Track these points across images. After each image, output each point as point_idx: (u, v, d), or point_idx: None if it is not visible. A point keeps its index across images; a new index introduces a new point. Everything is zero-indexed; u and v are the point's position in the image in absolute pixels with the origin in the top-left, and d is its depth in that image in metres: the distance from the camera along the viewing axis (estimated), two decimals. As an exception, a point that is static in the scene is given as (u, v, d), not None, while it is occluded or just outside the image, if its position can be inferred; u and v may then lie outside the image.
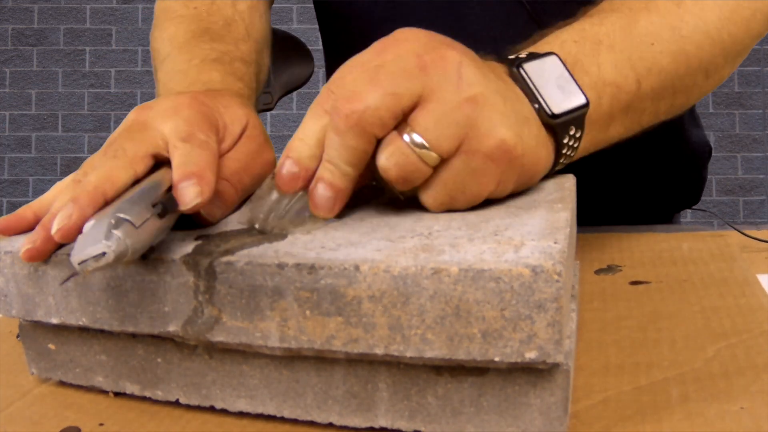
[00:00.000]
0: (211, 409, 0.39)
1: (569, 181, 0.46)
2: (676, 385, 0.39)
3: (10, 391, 0.43)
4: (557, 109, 0.44)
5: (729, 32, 0.54)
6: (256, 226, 0.41)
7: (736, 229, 0.65)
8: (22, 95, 2.89)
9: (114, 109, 2.89)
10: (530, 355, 0.32)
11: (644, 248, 0.64)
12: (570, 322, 0.39)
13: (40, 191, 2.89)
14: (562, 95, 0.44)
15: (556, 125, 0.44)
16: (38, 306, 0.40)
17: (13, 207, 2.89)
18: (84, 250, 0.33)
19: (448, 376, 0.35)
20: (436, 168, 0.40)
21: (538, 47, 0.49)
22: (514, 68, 0.44)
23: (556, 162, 0.46)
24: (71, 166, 2.88)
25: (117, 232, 0.33)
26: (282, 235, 0.39)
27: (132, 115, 0.45)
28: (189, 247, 0.37)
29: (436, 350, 0.33)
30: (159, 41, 0.67)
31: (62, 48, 2.88)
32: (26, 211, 0.43)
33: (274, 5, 0.84)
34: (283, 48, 1.05)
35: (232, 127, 0.47)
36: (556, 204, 0.41)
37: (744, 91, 2.82)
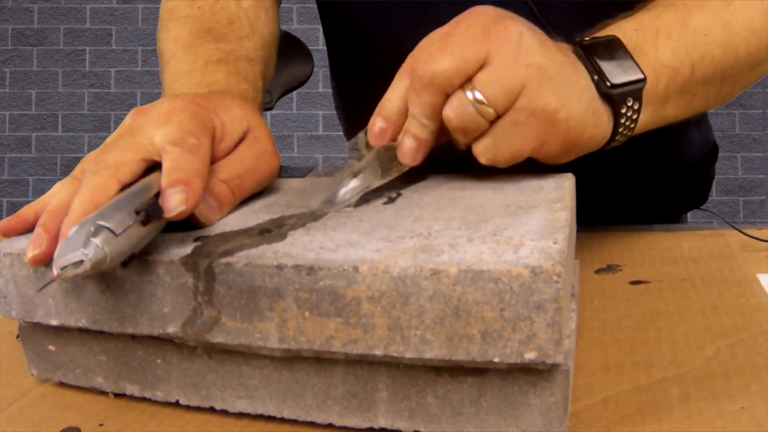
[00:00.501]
0: (211, 410, 0.39)
1: (568, 181, 0.46)
2: (676, 384, 0.39)
3: (10, 391, 0.43)
4: (615, 80, 0.49)
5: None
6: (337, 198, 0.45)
7: (736, 228, 0.65)
8: (22, 95, 2.89)
9: (114, 109, 2.89)
10: (530, 355, 0.32)
11: (644, 248, 0.64)
12: (570, 322, 0.39)
13: (40, 191, 2.89)
14: (621, 70, 0.49)
15: (614, 95, 0.49)
16: (38, 307, 0.40)
17: (13, 207, 2.89)
18: (63, 256, 0.33)
19: (447, 376, 0.35)
20: (492, 123, 0.46)
21: (601, 34, 0.53)
22: (578, 47, 0.50)
23: (615, 132, 0.51)
24: (71, 166, 2.88)
25: (95, 240, 0.33)
26: (281, 236, 0.39)
27: (127, 120, 0.46)
28: (188, 248, 0.37)
29: (435, 351, 0.33)
30: (164, 42, 0.68)
31: (62, 48, 2.88)
32: (28, 212, 0.43)
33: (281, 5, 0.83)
34: (283, 47, 1.05)
35: (230, 127, 0.47)
36: (556, 204, 0.41)
37: (744, 91, 2.82)
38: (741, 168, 2.82)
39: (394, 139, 0.48)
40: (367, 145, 0.49)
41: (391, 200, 0.44)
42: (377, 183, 0.47)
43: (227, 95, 0.51)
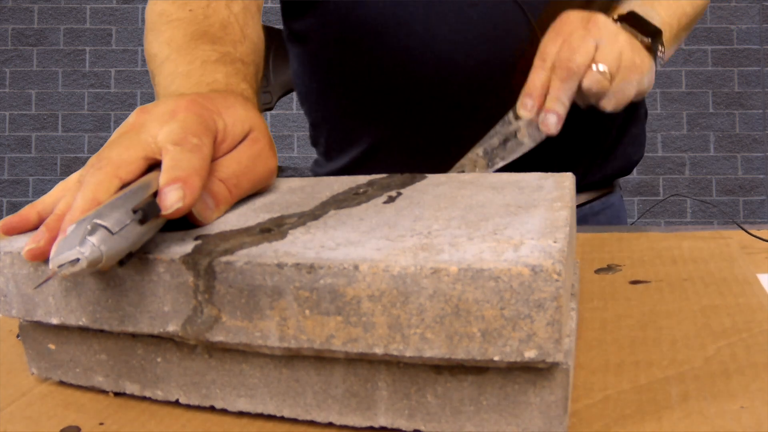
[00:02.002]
0: (211, 409, 0.39)
1: (568, 181, 0.47)
2: (676, 383, 0.39)
3: (10, 390, 0.43)
4: (647, 37, 0.76)
5: None
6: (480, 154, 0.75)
7: (738, 224, 0.65)
8: (22, 95, 2.89)
9: (114, 109, 2.89)
10: (530, 354, 0.32)
11: (644, 247, 0.64)
12: (570, 321, 0.39)
13: (40, 191, 2.89)
14: (646, 32, 0.76)
15: (653, 46, 0.76)
16: (38, 306, 0.40)
17: (13, 207, 2.89)
18: (60, 254, 0.33)
19: (447, 375, 0.35)
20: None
21: (620, 11, 0.78)
22: (623, 24, 0.76)
23: (655, 66, 0.77)
24: (71, 166, 2.88)
25: (91, 239, 0.33)
26: (281, 234, 0.39)
27: (131, 118, 0.46)
28: (188, 247, 0.37)
29: (435, 349, 0.33)
30: (156, 44, 0.68)
31: (62, 48, 2.89)
32: (30, 211, 0.43)
33: (270, 7, 0.85)
34: (283, 48, 1.05)
35: (233, 128, 0.47)
36: (556, 203, 0.41)
37: (744, 91, 2.82)
38: (741, 168, 2.82)
39: (536, 114, 0.74)
40: (516, 117, 0.76)
41: (392, 199, 0.45)
42: (530, 145, 0.77)
43: (230, 95, 0.51)
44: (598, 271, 0.58)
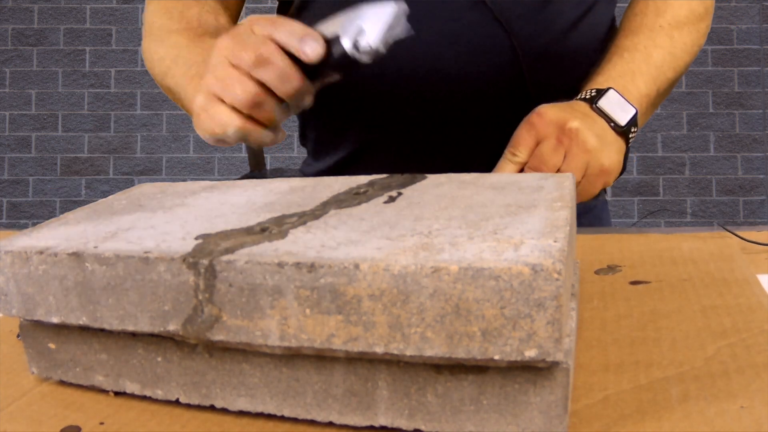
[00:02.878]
0: (211, 408, 0.39)
1: (568, 181, 0.47)
2: (676, 383, 0.39)
3: (11, 390, 0.43)
4: (623, 122, 0.77)
5: (699, 45, 0.89)
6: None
7: (732, 233, 0.65)
8: (22, 95, 2.89)
9: (114, 109, 2.89)
10: (530, 353, 0.32)
11: (644, 248, 0.64)
12: (570, 321, 0.39)
13: (40, 191, 2.89)
14: (623, 113, 0.77)
15: (625, 130, 0.77)
16: (38, 305, 0.40)
17: (13, 207, 2.89)
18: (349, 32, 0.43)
19: (448, 374, 0.35)
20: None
21: (599, 84, 0.79)
22: (594, 105, 0.77)
23: (627, 149, 0.78)
24: (71, 166, 2.88)
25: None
26: (282, 234, 0.39)
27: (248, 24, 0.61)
28: (189, 246, 0.37)
29: (435, 348, 0.33)
30: (162, 49, 0.80)
31: (62, 48, 2.89)
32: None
33: (270, 7, 0.89)
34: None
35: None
36: (556, 203, 0.41)
37: (744, 91, 2.82)
38: (741, 168, 2.82)
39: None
40: None
41: (392, 199, 0.45)
42: None
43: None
44: (598, 272, 0.58)
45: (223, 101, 0.61)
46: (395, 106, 0.85)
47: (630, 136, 0.77)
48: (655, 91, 0.81)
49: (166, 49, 0.80)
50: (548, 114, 0.74)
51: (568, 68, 0.83)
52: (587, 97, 0.77)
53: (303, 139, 1.03)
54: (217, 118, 0.62)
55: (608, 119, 0.76)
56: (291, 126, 2.84)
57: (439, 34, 0.82)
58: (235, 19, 0.92)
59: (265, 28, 0.60)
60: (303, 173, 1.03)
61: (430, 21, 0.82)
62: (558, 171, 0.72)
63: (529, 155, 0.74)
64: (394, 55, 0.83)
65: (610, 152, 0.74)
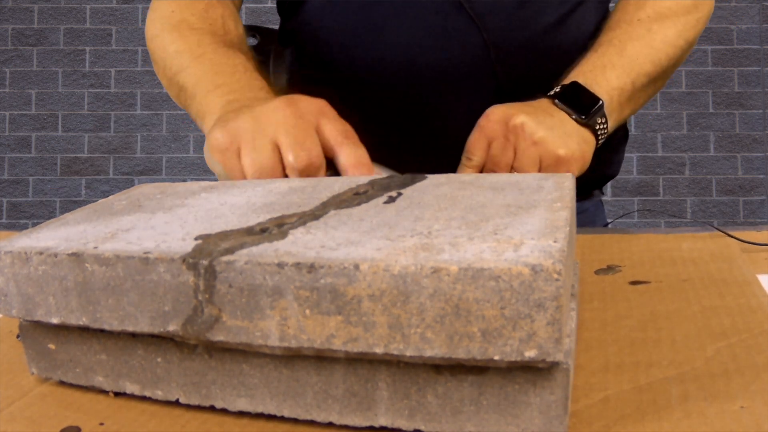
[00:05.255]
0: (211, 409, 0.39)
1: (568, 181, 0.47)
2: (675, 384, 0.39)
3: (10, 391, 0.43)
4: (585, 114, 0.76)
5: (685, 38, 0.86)
6: None
7: (728, 234, 0.65)
8: (22, 95, 2.89)
9: (114, 109, 2.89)
10: (530, 353, 0.32)
11: (644, 248, 0.64)
12: (570, 321, 0.39)
13: (40, 191, 2.89)
14: (586, 106, 0.76)
15: (589, 122, 0.76)
16: (38, 306, 0.40)
17: (13, 207, 2.89)
18: None
19: (448, 374, 0.35)
20: None
21: (568, 80, 0.78)
22: (556, 101, 0.76)
23: (597, 140, 0.77)
24: (71, 166, 2.88)
25: None
26: (282, 234, 0.39)
27: (281, 105, 0.62)
28: (189, 247, 0.37)
29: (435, 349, 0.33)
30: (181, 43, 0.78)
31: (62, 48, 2.89)
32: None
33: (270, 7, 0.90)
34: (282, 51, 1.06)
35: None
36: (556, 203, 0.41)
37: (744, 91, 2.82)
38: (741, 168, 2.82)
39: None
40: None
41: (392, 200, 0.45)
42: None
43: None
44: (598, 272, 0.58)
45: (239, 159, 0.60)
46: (371, 100, 0.87)
47: (598, 128, 0.76)
48: (630, 83, 0.80)
49: (188, 45, 0.78)
50: (495, 114, 0.74)
51: (552, 66, 0.84)
52: (551, 93, 0.78)
53: None
54: (228, 167, 0.61)
55: (568, 112, 0.75)
56: (291, 126, 2.84)
57: (412, 28, 0.84)
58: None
59: (316, 117, 0.62)
60: None
61: (403, 15, 0.84)
62: (513, 169, 0.72)
63: (483, 158, 0.74)
64: (368, 48, 0.85)
65: (567, 141, 0.73)
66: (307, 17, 0.92)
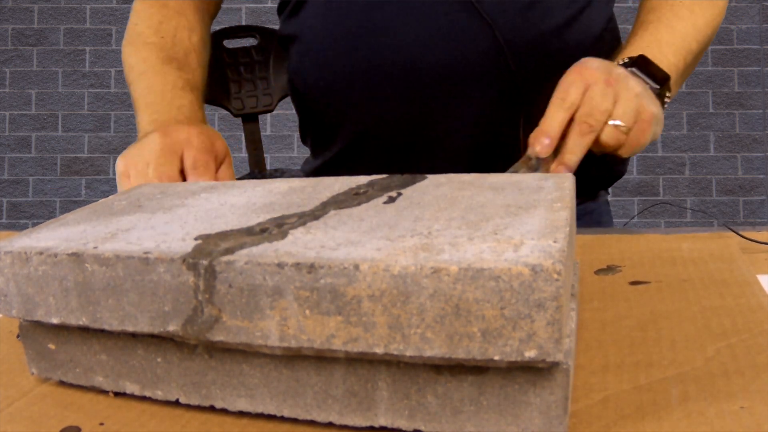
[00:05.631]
0: (211, 409, 0.39)
1: (568, 181, 0.47)
2: (675, 384, 0.39)
3: (10, 391, 0.43)
4: (657, 85, 0.79)
5: (718, 23, 0.91)
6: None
7: (734, 231, 0.65)
8: (22, 95, 2.89)
9: (114, 109, 2.89)
10: (530, 353, 0.32)
11: (644, 248, 0.64)
12: (570, 321, 0.39)
13: (40, 191, 2.89)
14: (656, 77, 0.79)
15: (661, 92, 0.79)
16: (38, 306, 0.40)
17: (13, 207, 2.89)
18: None
19: (447, 374, 0.35)
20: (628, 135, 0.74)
21: (626, 53, 0.82)
22: (633, 69, 0.78)
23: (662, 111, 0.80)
24: (71, 166, 2.88)
25: None
26: (282, 234, 0.39)
27: (158, 139, 0.73)
28: (189, 247, 0.37)
29: (435, 349, 0.33)
30: (134, 58, 0.88)
31: (62, 48, 2.89)
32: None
33: (270, 7, 0.90)
34: (282, 52, 1.06)
35: (220, 157, 0.75)
36: (556, 203, 0.41)
37: (744, 91, 2.82)
38: (741, 168, 2.82)
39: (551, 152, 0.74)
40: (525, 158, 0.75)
41: (392, 200, 0.45)
42: None
43: (212, 130, 0.77)
44: (597, 272, 0.58)
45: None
46: (384, 99, 0.87)
47: (665, 100, 0.79)
48: (682, 61, 0.83)
49: (136, 61, 0.88)
50: (593, 62, 0.76)
51: (562, 65, 0.84)
52: (621, 63, 0.79)
53: (304, 139, 1.05)
54: (122, 190, 0.69)
55: (645, 81, 0.77)
56: (291, 126, 2.84)
57: (425, 29, 0.84)
58: (211, 19, 0.99)
59: (182, 146, 0.73)
60: (303, 172, 1.05)
61: (415, 15, 0.84)
62: (610, 117, 0.72)
63: (578, 100, 0.73)
64: (380, 48, 0.85)
65: (655, 102, 0.75)
66: (308, 19, 0.92)
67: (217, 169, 0.74)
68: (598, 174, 0.97)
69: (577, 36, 0.87)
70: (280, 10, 1.00)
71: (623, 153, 0.75)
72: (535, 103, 0.79)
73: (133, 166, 0.71)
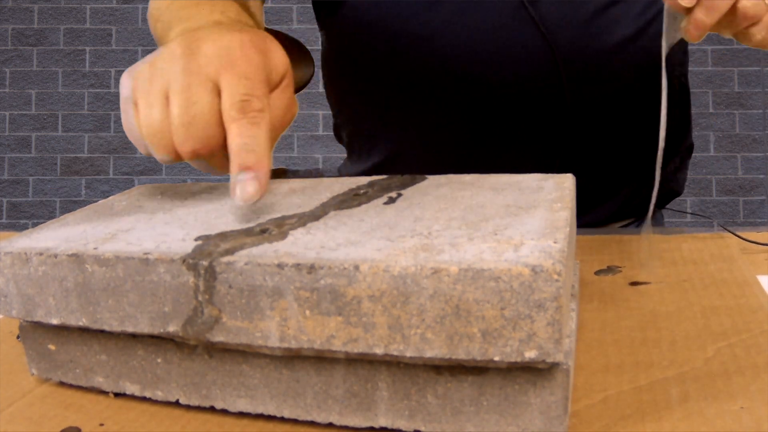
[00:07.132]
0: (211, 409, 0.39)
1: (568, 181, 0.47)
2: (676, 384, 0.39)
3: (10, 391, 0.43)
4: None
5: None
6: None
7: (732, 233, 0.65)
8: (22, 95, 2.89)
9: (114, 109, 2.89)
10: (530, 354, 0.32)
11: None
12: (570, 322, 0.39)
13: (40, 191, 2.89)
14: None
15: None
16: (38, 306, 0.40)
17: (13, 207, 2.89)
18: None
19: (448, 375, 0.35)
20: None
21: None
22: None
23: None
24: (71, 165, 2.88)
25: None
26: (282, 235, 0.39)
27: (179, 49, 0.47)
28: (189, 248, 0.37)
29: (435, 349, 0.33)
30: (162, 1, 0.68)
31: (62, 48, 2.89)
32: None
33: (274, 5, 0.85)
34: (296, 49, 1.05)
35: (277, 75, 0.49)
36: (556, 204, 0.41)
37: (744, 91, 2.82)
38: (741, 168, 2.82)
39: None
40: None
41: (392, 200, 0.45)
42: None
43: (263, 33, 0.52)
44: (598, 273, 0.58)
45: (137, 113, 0.47)
46: (427, 108, 0.83)
47: None
48: None
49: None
50: None
51: (614, 86, 0.79)
52: None
53: (338, 137, 1.00)
54: (125, 124, 0.49)
55: None
56: (291, 126, 2.84)
57: (478, 39, 0.79)
58: None
59: (217, 71, 0.47)
60: (341, 174, 1.01)
61: (470, 24, 0.79)
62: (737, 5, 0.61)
63: None
64: (423, 54, 0.79)
65: None
66: (347, 18, 0.86)
67: (272, 91, 0.49)
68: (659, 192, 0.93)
69: (633, 59, 0.80)
70: (316, 8, 0.93)
71: (756, 33, 0.62)
72: (580, 136, 0.75)
73: (144, 93, 0.47)
